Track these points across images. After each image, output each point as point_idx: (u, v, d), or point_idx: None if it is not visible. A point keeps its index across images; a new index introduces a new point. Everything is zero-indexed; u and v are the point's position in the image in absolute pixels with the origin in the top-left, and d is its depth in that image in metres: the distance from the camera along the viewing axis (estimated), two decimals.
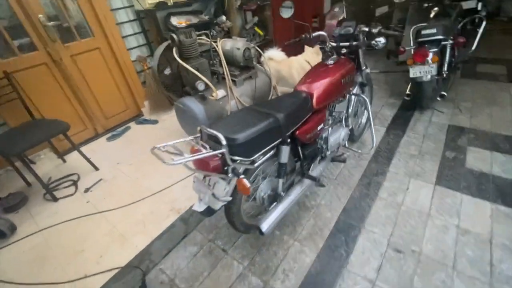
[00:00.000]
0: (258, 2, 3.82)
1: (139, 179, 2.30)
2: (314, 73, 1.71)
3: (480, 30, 2.98)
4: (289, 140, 1.44)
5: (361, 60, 1.93)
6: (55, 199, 2.16)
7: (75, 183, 2.34)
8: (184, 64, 2.00)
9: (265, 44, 3.84)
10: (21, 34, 2.38)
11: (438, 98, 2.70)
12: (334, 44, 1.88)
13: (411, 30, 2.62)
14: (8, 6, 2.25)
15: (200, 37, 2.22)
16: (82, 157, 2.42)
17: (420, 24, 2.60)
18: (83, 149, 2.48)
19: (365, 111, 2.40)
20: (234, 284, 1.53)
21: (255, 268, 1.60)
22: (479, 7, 3.06)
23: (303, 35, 1.89)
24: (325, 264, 1.56)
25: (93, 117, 2.94)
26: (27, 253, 1.77)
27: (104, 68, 2.91)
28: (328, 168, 2.24)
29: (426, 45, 2.44)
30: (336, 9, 3.52)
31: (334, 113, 1.90)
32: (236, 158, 1.19)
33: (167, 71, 2.39)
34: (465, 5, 3.02)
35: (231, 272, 1.60)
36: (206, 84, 2.12)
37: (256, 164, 1.31)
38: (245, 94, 2.38)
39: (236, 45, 2.23)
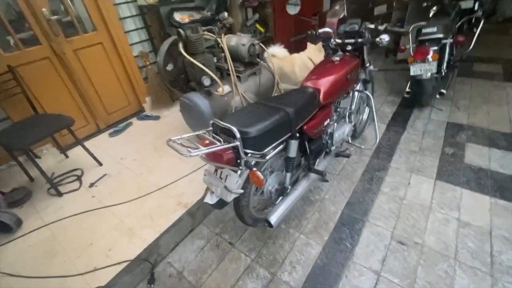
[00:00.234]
0: None
1: (144, 174, 2.30)
2: (321, 69, 1.74)
3: (478, 30, 3.05)
4: (297, 134, 1.47)
5: (365, 57, 1.96)
6: (60, 194, 2.16)
7: (79, 178, 2.34)
8: (191, 59, 2.01)
9: (265, 41, 3.85)
10: (25, 28, 2.37)
11: (437, 96, 2.76)
12: (339, 41, 1.91)
13: (411, 28, 2.67)
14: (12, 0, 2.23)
15: (206, 33, 2.23)
16: (84, 152, 2.42)
17: (420, 23, 2.65)
18: (86, 144, 2.47)
19: (367, 107, 2.44)
20: (243, 276, 1.56)
21: (263, 261, 1.63)
22: (476, 7, 3.13)
23: (309, 32, 1.92)
24: (331, 256, 1.60)
25: (95, 113, 2.92)
26: (34, 247, 1.77)
27: (107, 63, 2.89)
28: (331, 163, 2.28)
29: (427, 44, 2.50)
30: (337, 7, 3.54)
31: (339, 109, 1.94)
32: (248, 151, 1.22)
33: (169, 67, 2.39)
34: (464, 5, 3.08)
35: (239, 265, 1.63)
36: (212, 80, 2.13)
37: (267, 157, 1.33)
38: (249, 90, 2.40)
39: (241, 41, 2.25)
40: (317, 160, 1.81)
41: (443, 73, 2.64)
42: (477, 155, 2.21)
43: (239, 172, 1.28)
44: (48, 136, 2.13)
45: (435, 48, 2.45)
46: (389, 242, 1.64)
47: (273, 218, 1.50)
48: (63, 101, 2.67)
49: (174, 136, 1.13)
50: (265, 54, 2.64)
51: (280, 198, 1.66)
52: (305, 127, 1.52)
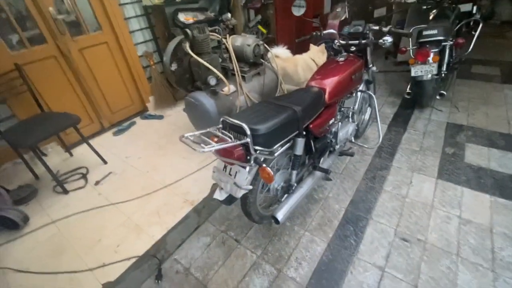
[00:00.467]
0: (262, 1, 3.87)
1: (149, 172, 2.33)
2: (326, 69, 1.78)
3: (477, 33, 3.10)
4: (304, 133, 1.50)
5: (368, 58, 2.00)
6: (66, 192, 2.18)
7: (84, 176, 2.35)
8: (199, 59, 2.04)
9: (267, 43, 3.88)
10: (32, 26, 2.39)
11: (438, 97, 2.80)
12: (343, 42, 1.95)
13: (411, 31, 2.72)
14: None
15: (212, 33, 2.26)
16: (89, 151, 2.44)
17: (421, 25, 2.70)
18: (90, 143, 2.48)
19: (369, 107, 2.48)
20: (249, 272, 1.59)
21: (268, 257, 1.66)
22: (474, 11, 3.19)
23: (314, 33, 1.96)
24: (336, 252, 1.64)
25: (99, 111, 2.94)
26: (43, 243, 1.79)
27: (111, 62, 2.92)
28: (334, 163, 2.32)
29: (427, 45, 2.54)
30: (338, 9, 3.59)
31: (342, 109, 1.98)
32: (258, 148, 1.25)
33: (174, 67, 2.42)
34: (463, 8, 3.14)
35: (245, 261, 1.65)
36: (217, 79, 2.16)
37: (275, 154, 1.36)
38: (254, 90, 2.43)
39: (246, 41, 2.28)
40: (322, 159, 1.85)
41: (443, 75, 2.69)
42: (476, 155, 2.25)
43: (248, 168, 1.31)
44: (55, 134, 2.15)
45: (436, 50, 2.50)
46: (392, 239, 1.67)
47: (280, 215, 1.53)
48: (68, 100, 2.69)
49: (178, 135, 1.17)
50: (269, 55, 2.68)
51: (286, 195, 1.69)
52: (311, 125, 1.55)
